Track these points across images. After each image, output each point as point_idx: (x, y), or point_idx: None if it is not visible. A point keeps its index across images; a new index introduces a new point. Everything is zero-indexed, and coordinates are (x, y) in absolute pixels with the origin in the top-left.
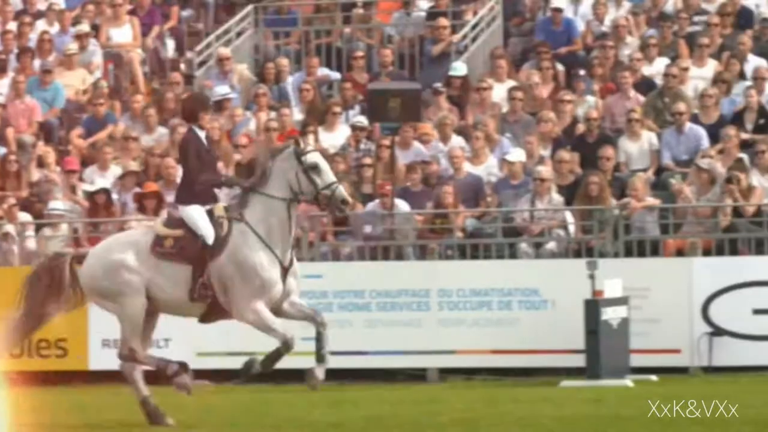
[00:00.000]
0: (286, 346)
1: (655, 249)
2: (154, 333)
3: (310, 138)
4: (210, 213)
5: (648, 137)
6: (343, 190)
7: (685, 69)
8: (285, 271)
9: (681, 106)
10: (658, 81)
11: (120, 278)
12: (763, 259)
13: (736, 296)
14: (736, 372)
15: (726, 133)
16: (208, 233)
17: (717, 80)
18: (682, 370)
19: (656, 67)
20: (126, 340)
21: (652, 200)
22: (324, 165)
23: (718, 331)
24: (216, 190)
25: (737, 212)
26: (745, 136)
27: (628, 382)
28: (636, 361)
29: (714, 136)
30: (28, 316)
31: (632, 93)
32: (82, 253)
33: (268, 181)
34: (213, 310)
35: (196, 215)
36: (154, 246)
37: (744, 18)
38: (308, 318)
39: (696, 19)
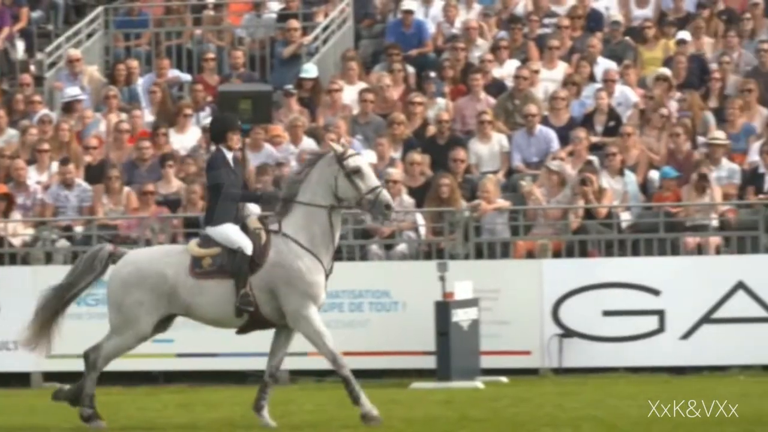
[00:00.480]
0: (337, 365)
1: (505, 251)
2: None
3: (345, 140)
4: (245, 227)
5: (498, 139)
6: (387, 195)
7: (536, 71)
8: (326, 278)
9: (531, 108)
10: (509, 83)
11: (136, 311)
12: (612, 260)
13: (585, 298)
14: (586, 373)
15: (576, 135)
16: (245, 244)
17: (567, 82)
18: (532, 372)
19: (507, 69)
20: (99, 348)
21: (502, 202)
22: (367, 169)
23: (568, 333)
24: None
25: (588, 214)
26: (594, 138)
27: (478, 383)
28: (486, 362)
29: (564, 138)
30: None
31: (483, 95)
32: (119, 253)
33: (308, 189)
34: (253, 322)
35: (228, 231)
36: (192, 268)
37: (594, 20)
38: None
39: (546, 21)
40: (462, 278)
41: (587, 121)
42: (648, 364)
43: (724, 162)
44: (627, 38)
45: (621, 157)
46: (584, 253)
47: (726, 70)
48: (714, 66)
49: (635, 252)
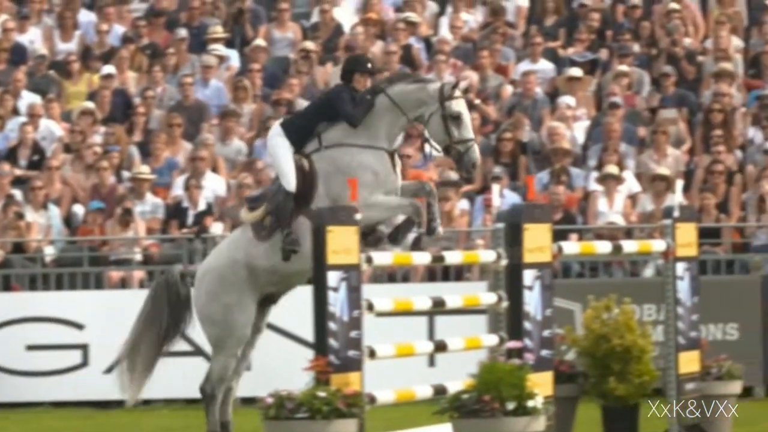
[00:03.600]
0: (417, 213)
1: None
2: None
3: (464, 83)
4: None
5: None
6: (477, 152)
7: None
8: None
9: None
10: None
11: (228, 316)
12: (36, 294)
13: (9, 332)
14: (10, 408)
15: (0, 169)
16: (290, 180)
17: None
18: None
19: None
20: (209, 375)
21: None
22: (467, 118)
23: None
24: None
25: (14, 248)
26: (19, 171)
27: None
28: None
29: None
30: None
31: None
32: (190, 271)
33: (397, 92)
34: None
35: (282, 155)
36: (257, 234)
37: (18, 54)
38: (417, 192)
39: None
40: None
41: (11, 154)
42: (73, 398)
43: (149, 196)
44: (51, 72)
45: (45, 191)
46: (8, 288)
47: (150, 104)
48: (138, 100)
49: (59, 286)
